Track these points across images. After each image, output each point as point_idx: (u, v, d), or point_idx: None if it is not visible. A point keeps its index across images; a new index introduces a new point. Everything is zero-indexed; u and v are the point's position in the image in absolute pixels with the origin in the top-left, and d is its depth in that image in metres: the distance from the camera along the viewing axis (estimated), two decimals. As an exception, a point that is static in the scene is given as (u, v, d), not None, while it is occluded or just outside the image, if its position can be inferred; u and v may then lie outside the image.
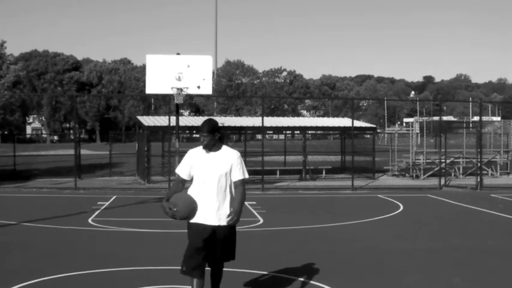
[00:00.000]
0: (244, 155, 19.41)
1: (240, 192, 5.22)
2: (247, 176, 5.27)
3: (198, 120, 25.06)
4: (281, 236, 10.07)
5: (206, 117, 5.03)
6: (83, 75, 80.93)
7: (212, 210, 5.07)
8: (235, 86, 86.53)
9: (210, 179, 5.10)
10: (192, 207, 5.00)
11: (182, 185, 5.28)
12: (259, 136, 35.59)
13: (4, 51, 22.64)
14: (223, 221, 5.09)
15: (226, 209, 5.11)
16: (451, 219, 12.48)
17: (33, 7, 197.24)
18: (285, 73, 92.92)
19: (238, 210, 5.16)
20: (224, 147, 5.24)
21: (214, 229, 5.09)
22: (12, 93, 24.46)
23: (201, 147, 5.21)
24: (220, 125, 5.41)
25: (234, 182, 5.20)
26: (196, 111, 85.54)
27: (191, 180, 5.25)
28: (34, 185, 18.83)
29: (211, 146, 5.15)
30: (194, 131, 25.57)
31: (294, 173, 22.93)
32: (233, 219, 5.11)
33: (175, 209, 4.96)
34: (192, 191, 5.16)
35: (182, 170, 5.28)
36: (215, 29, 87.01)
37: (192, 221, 5.09)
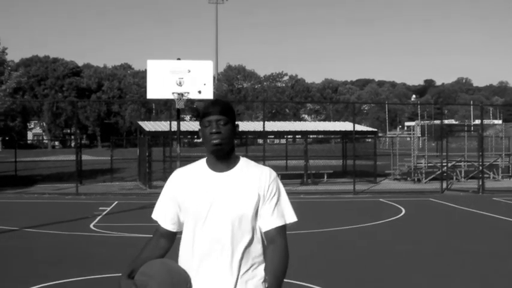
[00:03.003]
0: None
1: (279, 253, 2.59)
2: (292, 218, 2.71)
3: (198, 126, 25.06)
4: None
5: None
6: (83, 81, 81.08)
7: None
8: (236, 91, 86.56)
9: (218, 227, 2.54)
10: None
11: (166, 244, 2.79)
12: (260, 141, 35.59)
13: (5, 57, 22.73)
14: None
15: (253, 283, 2.56)
16: (452, 222, 12.47)
17: (34, 13, 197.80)
18: (286, 77, 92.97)
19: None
20: (244, 161, 2.67)
21: None
22: (13, 99, 24.53)
23: (194, 165, 2.68)
24: None
25: (266, 232, 2.61)
26: (197, 116, 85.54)
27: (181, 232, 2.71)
28: (35, 191, 18.84)
29: (226, 154, 2.59)
30: (195, 136, 25.61)
31: (296, 177, 22.91)
32: None
33: None
34: (183, 253, 2.70)
35: (161, 213, 2.70)
36: (216, 33, 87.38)
37: None
